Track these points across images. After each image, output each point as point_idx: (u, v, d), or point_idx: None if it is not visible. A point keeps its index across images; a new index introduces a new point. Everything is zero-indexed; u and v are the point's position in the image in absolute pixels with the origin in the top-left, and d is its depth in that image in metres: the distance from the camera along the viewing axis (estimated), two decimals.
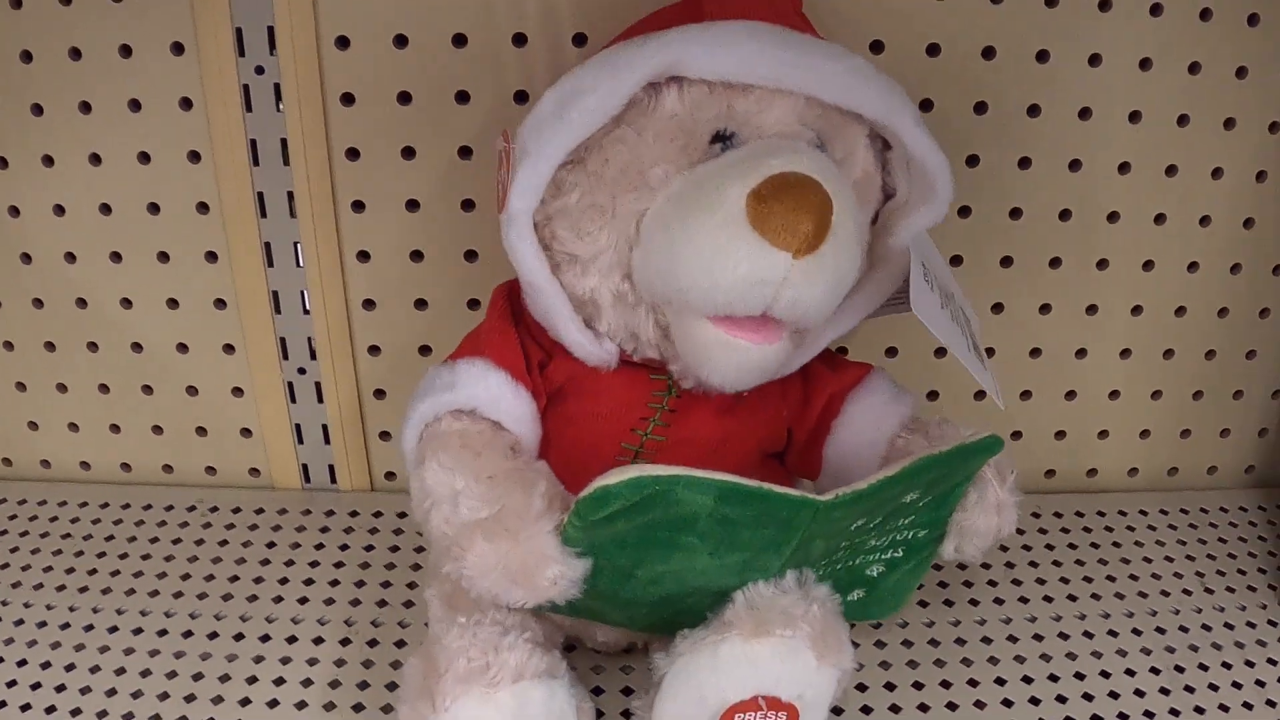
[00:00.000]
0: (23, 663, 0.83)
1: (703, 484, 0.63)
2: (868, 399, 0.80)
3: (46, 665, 0.83)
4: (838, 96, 0.70)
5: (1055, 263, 0.99)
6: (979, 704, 0.82)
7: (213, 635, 0.86)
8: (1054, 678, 0.85)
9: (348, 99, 0.90)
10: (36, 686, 0.81)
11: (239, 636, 0.86)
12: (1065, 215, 0.97)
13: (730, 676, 0.68)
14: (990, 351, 1.02)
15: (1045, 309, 1.01)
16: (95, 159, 0.93)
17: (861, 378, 0.81)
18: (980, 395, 1.04)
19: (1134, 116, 0.94)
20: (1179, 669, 0.86)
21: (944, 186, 0.73)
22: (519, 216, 0.69)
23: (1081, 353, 1.03)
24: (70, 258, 0.97)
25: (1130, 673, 0.85)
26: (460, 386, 0.73)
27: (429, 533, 0.69)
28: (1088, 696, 0.83)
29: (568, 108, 0.67)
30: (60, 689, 0.81)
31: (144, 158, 0.93)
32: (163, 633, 0.86)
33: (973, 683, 0.84)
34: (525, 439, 0.75)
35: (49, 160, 0.93)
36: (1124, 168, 0.95)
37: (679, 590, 0.70)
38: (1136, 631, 0.90)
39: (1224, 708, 0.82)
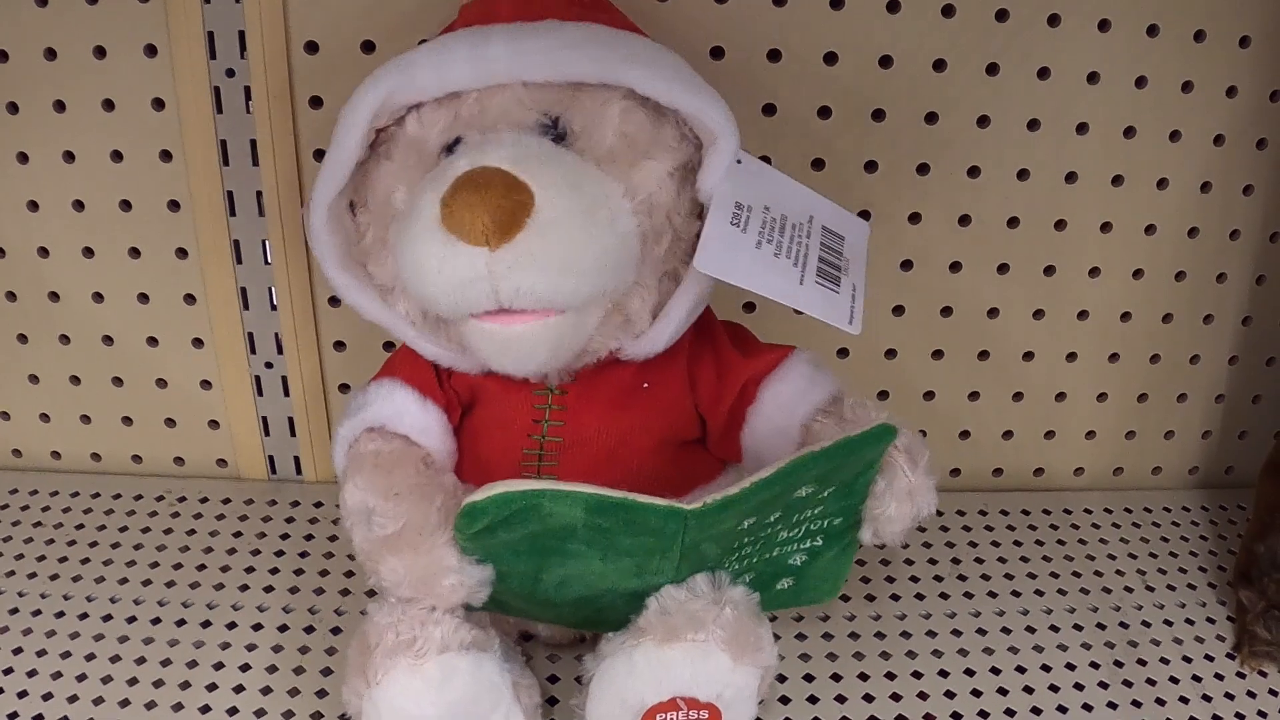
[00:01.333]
0: None
1: (568, 497, 0.65)
2: (782, 386, 0.79)
3: (18, 651, 0.84)
4: (542, 74, 0.70)
5: (1003, 268, 1.01)
6: (922, 695, 0.84)
7: (180, 622, 0.87)
8: (996, 670, 0.86)
9: (316, 102, 0.92)
10: (9, 671, 0.82)
11: (206, 624, 0.87)
12: (1013, 222, 0.99)
13: (645, 680, 0.70)
14: (939, 353, 1.04)
15: (993, 312, 1.03)
16: (69, 156, 0.94)
17: (777, 362, 0.80)
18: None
19: (1081, 128, 0.96)
20: (1118, 664, 0.88)
21: (716, 122, 0.71)
22: (321, 262, 0.74)
23: (1029, 355, 1.05)
24: (43, 252, 0.98)
25: (1070, 667, 0.87)
26: (369, 405, 0.77)
27: (354, 549, 0.73)
28: (1028, 689, 0.85)
29: (326, 157, 0.72)
30: (31, 674, 0.82)
31: (117, 156, 0.94)
32: (131, 619, 0.87)
33: (916, 674, 0.86)
34: (437, 451, 0.78)
35: (24, 157, 0.94)
36: (1071, 177, 0.97)
37: (588, 592, 0.72)
38: (1078, 627, 0.91)
39: (1160, 701, 0.84)
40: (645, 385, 0.78)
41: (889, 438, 0.71)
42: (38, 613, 0.88)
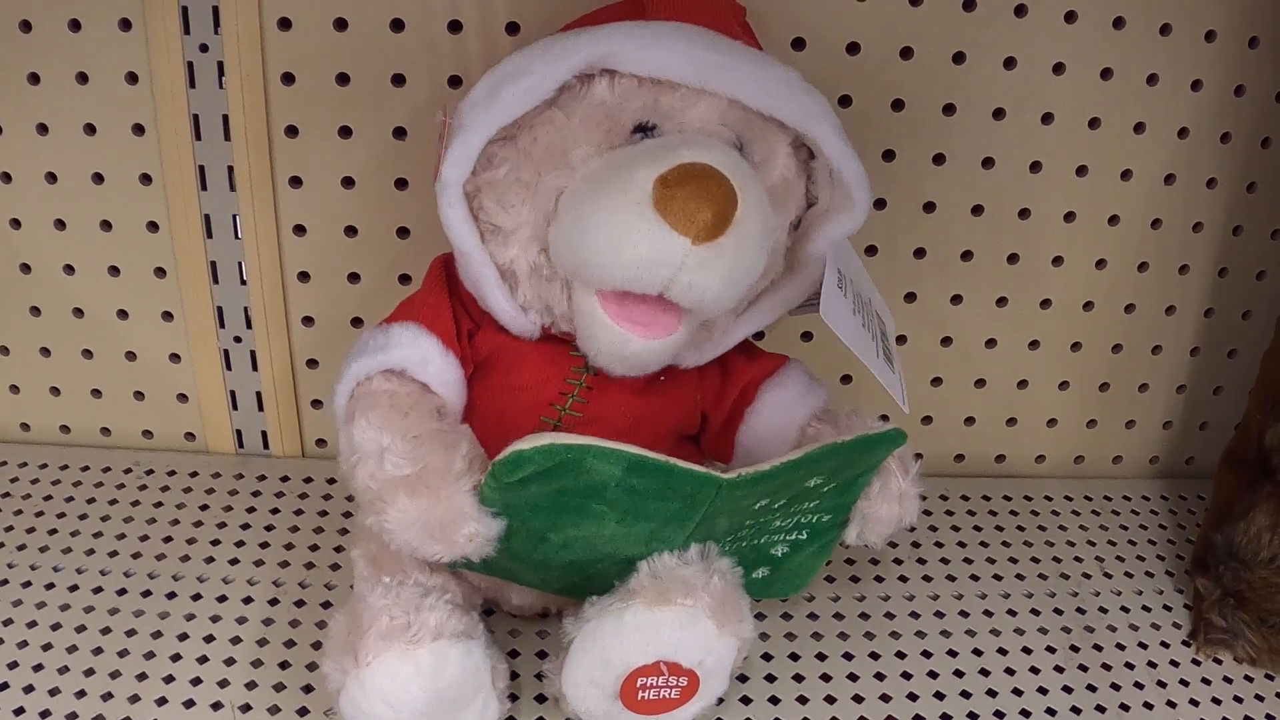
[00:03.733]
0: None
1: (612, 454, 0.66)
2: (781, 389, 0.83)
3: None
4: (759, 102, 0.72)
5: (967, 255, 1.01)
6: (879, 675, 0.85)
7: (146, 593, 0.88)
8: (953, 653, 0.88)
9: (288, 78, 0.92)
10: None
11: (171, 595, 0.88)
12: (978, 210, 0.99)
13: (634, 642, 0.71)
14: (902, 339, 1.05)
15: (956, 299, 1.03)
16: (43, 129, 0.94)
17: (777, 368, 0.84)
18: None
19: (1047, 118, 0.96)
20: (1074, 648, 0.89)
21: (861, 196, 0.75)
22: (450, 186, 0.72)
23: (991, 343, 1.06)
24: (15, 224, 0.98)
25: (1027, 650, 0.88)
26: (393, 348, 0.75)
27: (354, 487, 0.72)
28: (984, 672, 0.86)
29: (502, 87, 0.70)
30: None
31: (90, 129, 0.94)
32: (97, 590, 0.88)
33: (874, 655, 0.87)
34: (451, 403, 0.77)
35: None
36: (1035, 167, 0.98)
37: (589, 556, 0.73)
38: (1035, 612, 0.92)
39: (1115, 686, 0.85)
40: (662, 378, 0.80)
41: (900, 441, 0.75)
42: (4, 583, 0.88)
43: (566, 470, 0.66)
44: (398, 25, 0.90)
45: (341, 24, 0.90)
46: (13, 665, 0.81)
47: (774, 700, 0.82)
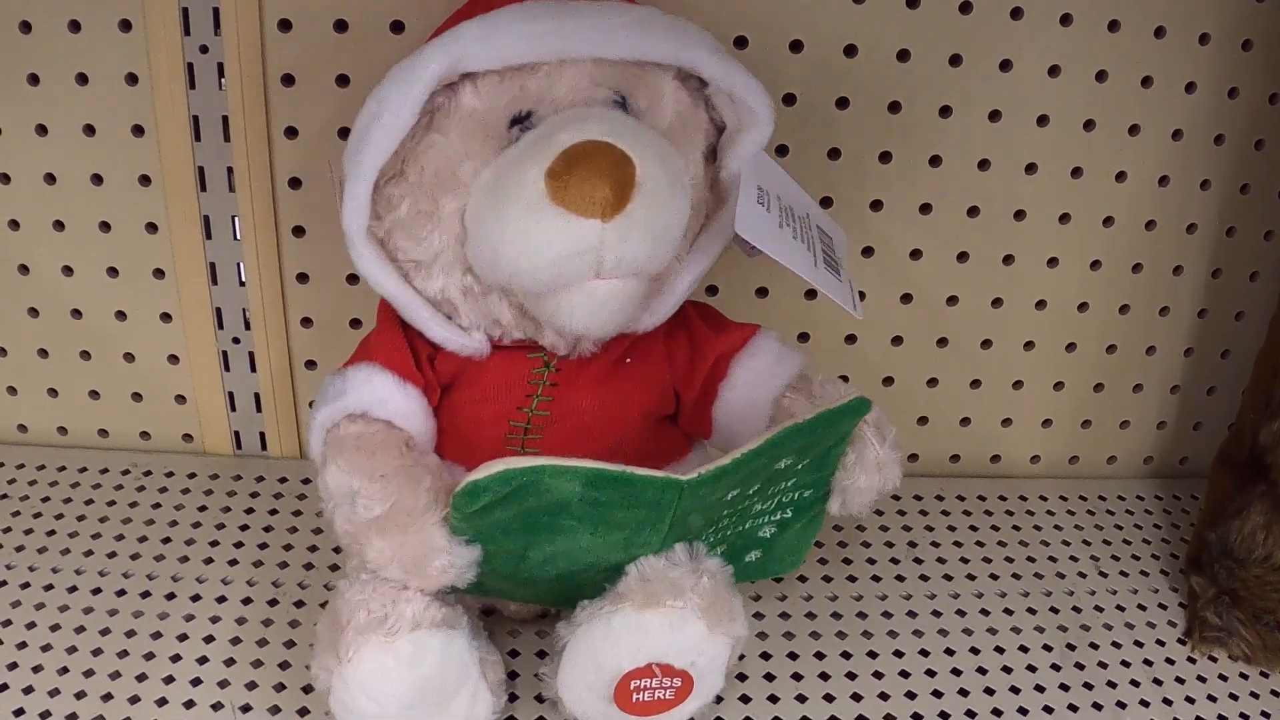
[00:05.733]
0: None
1: (568, 471, 0.65)
2: (752, 361, 0.81)
3: None
4: (621, 51, 0.72)
5: (963, 256, 1.02)
6: (877, 674, 0.85)
7: (145, 594, 0.88)
8: (950, 651, 0.88)
9: (288, 80, 0.92)
10: None
11: (170, 596, 0.88)
12: (973, 212, 1.00)
13: (623, 646, 0.71)
14: (898, 339, 1.05)
15: (952, 300, 1.04)
16: (41, 130, 0.94)
17: (747, 339, 0.82)
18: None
19: (1042, 120, 0.97)
20: (1070, 647, 0.89)
21: (760, 104, 0.75)
22: (353, 235, 0.72)
23: (987, 343, 1.06)
24: (14, 225, 0.98)
25: (1024, 649, 0.89)
26: (349, 392, 0.76)
27: (336, 532, 0.72)
28: (981, 670, 0.86)
29: (369, 129, 0.70)
30: None
31: (89, 130, 0.94)
32: (96, 591, 0.88)
33: (872, 654, 0.87)
34: (418, 434, 0.77)
35: None
36: (1031, 168, 0.98)
37: (572, 568, 0.73)
38: (1031, 610, 0.93)
39: (1112, 684, 0.86)
40: (628, 360, 0.79)
41: (865, 410, 0.73)
42: (2, 584, 0.88)
43: (526, 492, 0.66)
44: (398, 27, 0.90)
45: (342, 25, 0.90)
46: (12, 666, 0.80)
47: (773, 699, 0.82)
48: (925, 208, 0.99)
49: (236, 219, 0.97)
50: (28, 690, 0.79)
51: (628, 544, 0.72)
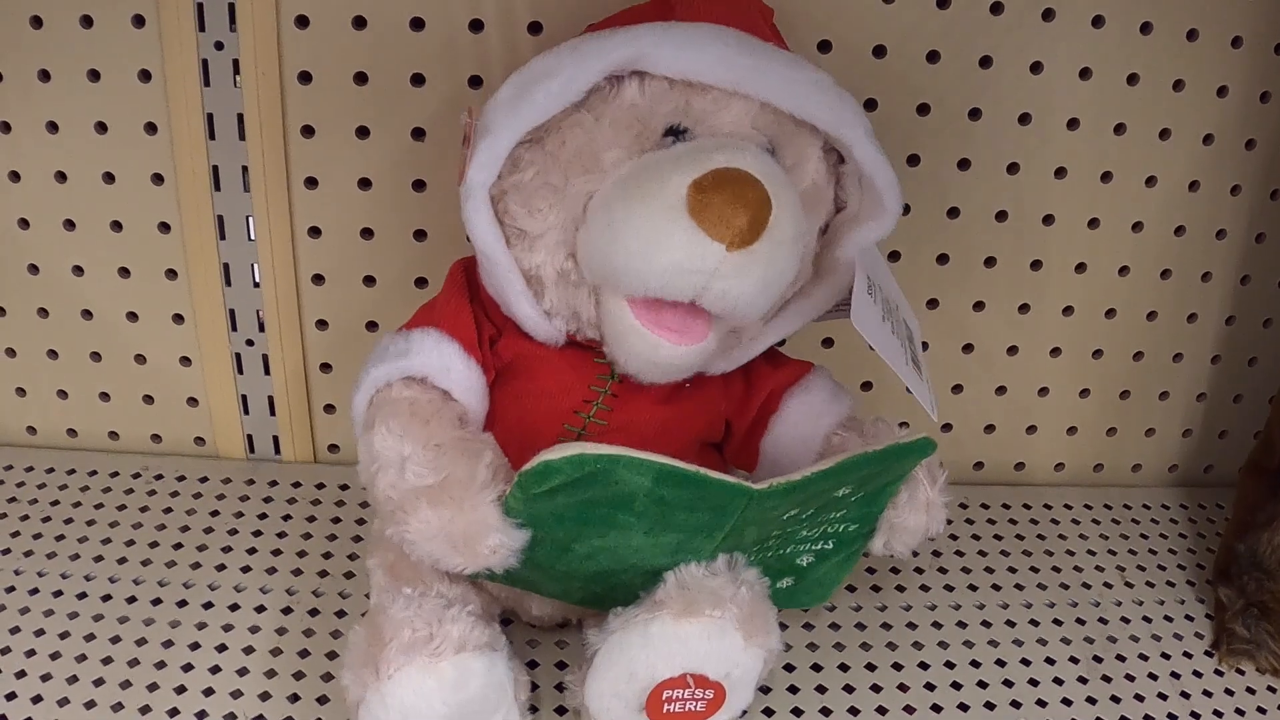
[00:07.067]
0: None
1: (642, 465, 0.65)
2: (806, 396, 0.82)
3: None
4: (791, 105, 0.72)
5: (990, 262, 1.01)
6: (902, 686, 0.84)
7: (156, 601, 0.87)
8: (976, 663, 0.87)
9: (305, 77, 0.91)
10: None
11: (182, 603, 0.87)
12: (1002, 216, 0.99)
13: (660, 654, 0.70)
14: (924, 345, 1.04)
15: (979, 306, 1.03)
16: (53, 127, 0.93)
17: (801, 375, 0.84)
18: None
19: (1072, 123, 0.96)
20: (1097, 659, 0.88)
21: (892, 202, 0.75)
22: (476, 189, 0.71)
23: (1013, 350, 1.05)
24: (24, 224, 0.97)
25: (1050, 661, 0.88)
26: (414, 354, 0.74)
27: (373, 496, 0.71)
28: (1008, 683, 0.85)
29: (531, 89, 0.69)
30: (5, 651, 0.81)
31: (101, 128, 0.93)
32: (106, 598, 0.87)
33: (897, 666, 0.86)
34: (473, 410, 0.76)
35: (6, 127, 0.94)
36: (1060, 172, 0.98)
37: (613, 566, 0.72)
38: (1058, 621, 0.92)
39: (1139, 697, 0.85)
40: (688, 385, 0.79)
41: (929, 450, 0.74)
42: (11, 590, 0.87)
43: (595, 481, 0.65)
44: (417, 24, 0.89)
45: (360, 22, 0.89)
46: (20, 675, 0.79)
47: (797, 712, 0.82)
48: (953, 212, 0.99)
49: (251, 219, 0.96)
50: (36, 700, 0.78)
51: (678, 548, 0.71)
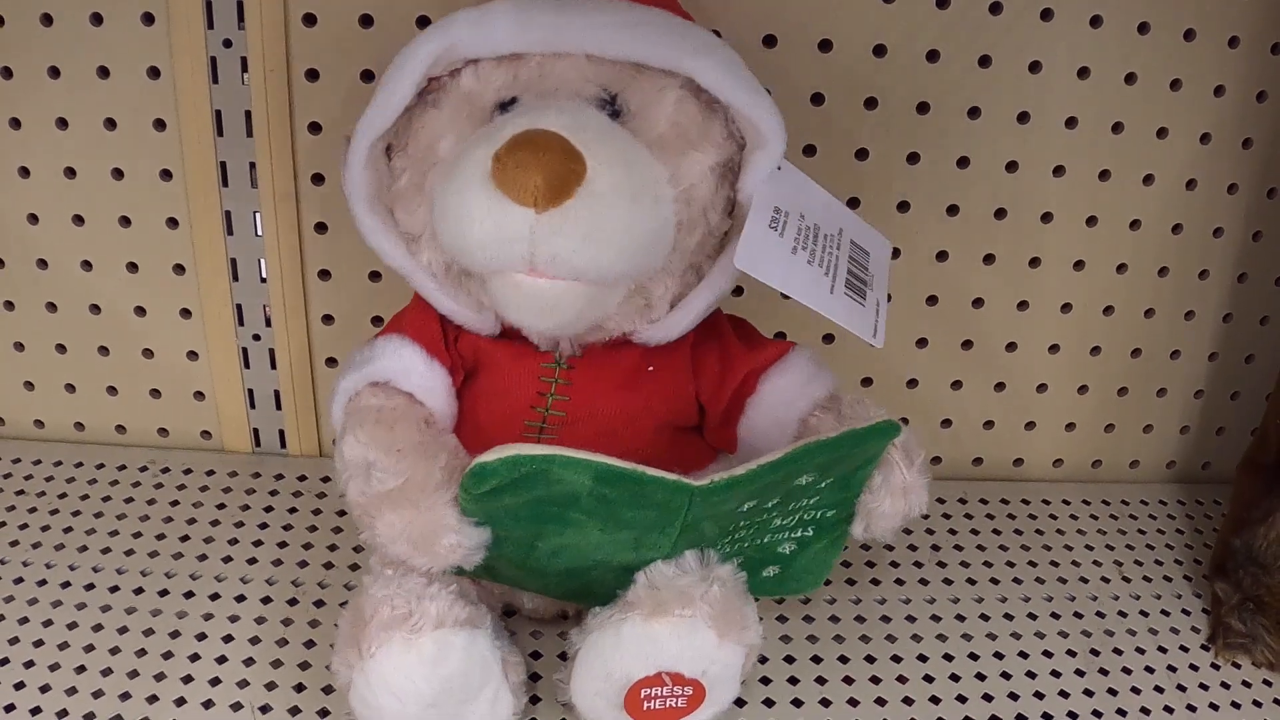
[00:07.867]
0: None
1: (579, 464, 0.65)
2: (782, 379, 0.80)
3: None
4: (613, 50, 0.71)
5: (989, 259, 1.01)
6: (901, 678, 0.85)
7: (163, 593, 0.88)
8: (974, 656, 0.87)
9: (312, 74, 0.92)
10: None
11: (189, 595, 0.88)
12: (1000, 214, 0.99)
13: (632, 654, 0.70)
14: (923, 342, 1.05)
15: (978, 303, 1.03)
16: (62, 123, 0.94)
17: (778, 356, 0.81)
18: (913, 383, 1.06)
19: (1070, 122, 0.96)
20: (1094, 652, 0.89)
21: (766, 125, 0.72)
22: (352, 203, 0.74)
23: (1012, 346, 1.06)
24: (33, 219, 0.98)
25: (1048, 654, 0.88)
26: (376, 360, 0.76)
27: (348, 503, 0.72)
28: (1005, 675, 0.86)
29: (374, 94, 0.72)
30: (13, 641, 0.82)
31: (110, 124, 0.94)
32: (114, 589, 0.87)
33: (896, 658, 0.87)
34: (439, 412, 0.77)
35: (16, 123, 0.94)
36: (1059, 171, 0.98)
37: (582, 563, 0.73)
38: (1055, 615, 0.92)
39: (1135, 690, 0.85)
40: (650, 369, 0.78)
41: (893, 434, 0.72)
42: (19, 580, 0.88)
43: (535, 481, 0.65)
44: (423, 22, 0.89)
45: (367, 20, 0.90)
46: (29, 665, 0.80)
47: (797, 703, 0.82)
48: (952, 209, 0.99)
49: (258, 215, 0.97)
50: (44, 689, 0.78)
51: (637, 544, 0.71)
